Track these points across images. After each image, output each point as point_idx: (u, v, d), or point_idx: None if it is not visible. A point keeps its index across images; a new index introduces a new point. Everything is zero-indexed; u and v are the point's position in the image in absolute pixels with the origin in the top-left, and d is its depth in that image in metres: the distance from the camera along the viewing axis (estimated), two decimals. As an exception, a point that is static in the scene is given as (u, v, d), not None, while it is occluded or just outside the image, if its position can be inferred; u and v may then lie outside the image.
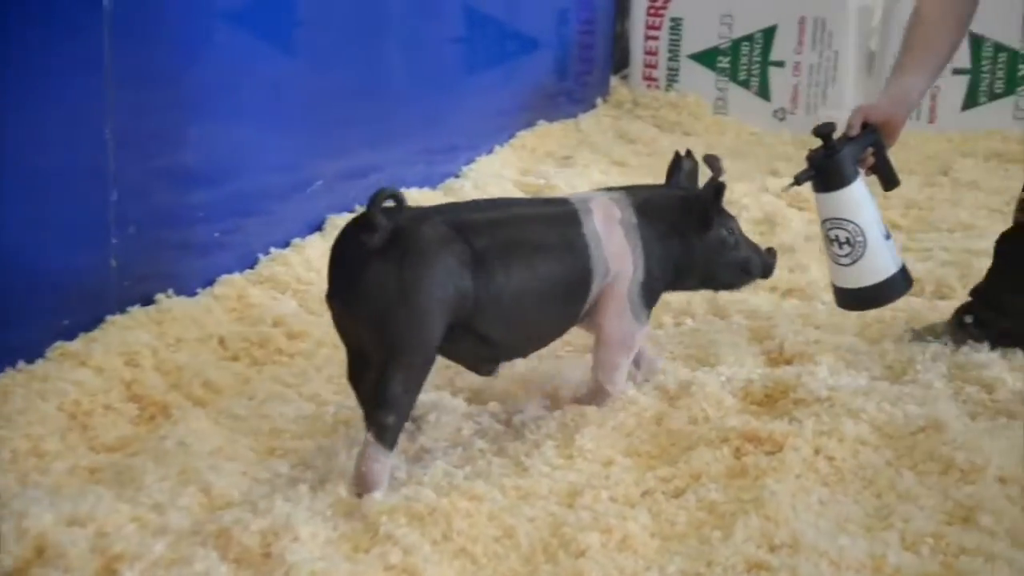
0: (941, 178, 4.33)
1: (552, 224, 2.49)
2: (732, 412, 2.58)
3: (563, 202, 2.59)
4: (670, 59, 5.18)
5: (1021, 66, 4.73)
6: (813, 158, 2.73)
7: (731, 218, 2.70)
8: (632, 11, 5.21)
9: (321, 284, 3.26)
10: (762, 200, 4.00)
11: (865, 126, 2.76)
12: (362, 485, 2.28)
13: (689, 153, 2.72)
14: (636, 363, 2.75)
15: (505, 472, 2.35)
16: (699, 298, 3.23)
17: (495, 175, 4.22)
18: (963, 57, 4.77)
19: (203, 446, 2.42)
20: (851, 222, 2.72)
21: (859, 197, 2.73)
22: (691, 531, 2.17)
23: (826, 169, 2.72)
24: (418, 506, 2.16)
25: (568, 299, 2.51)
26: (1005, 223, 3.12)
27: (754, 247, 2.73)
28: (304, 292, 3.25)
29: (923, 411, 2.53)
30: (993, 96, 4.76)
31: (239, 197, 3.30)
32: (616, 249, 2.54)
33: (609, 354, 2.61)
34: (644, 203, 2.60)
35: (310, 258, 3.44)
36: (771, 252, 2.77)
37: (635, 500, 2.27)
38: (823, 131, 2.72)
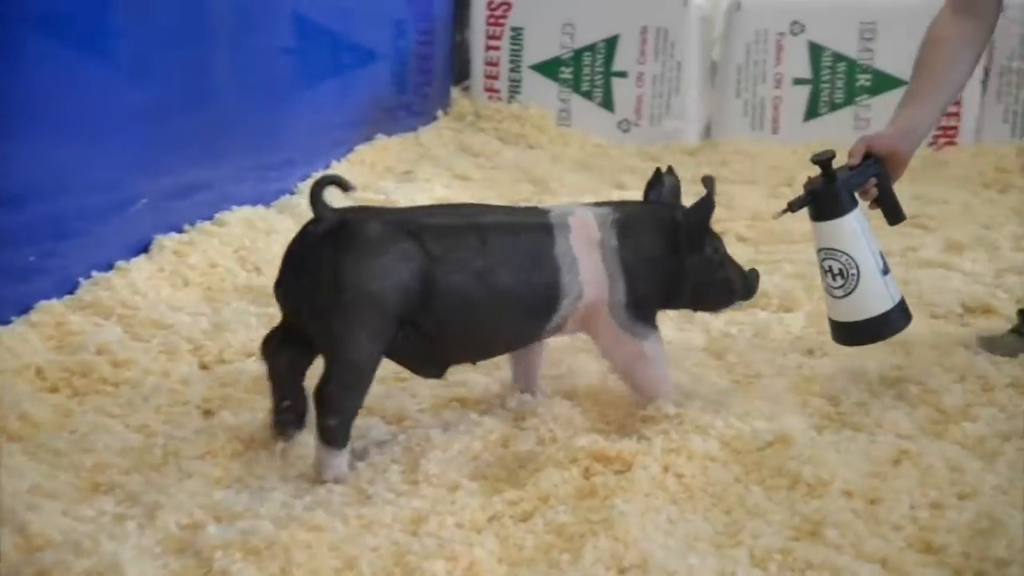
0: (785, 189, 4.37)
1: (521, 235, 2.46)
2: (581, 432, 2.54)
3: (541, 214, 2.54)
4: (512, 70, 5.14)
5: (859, 76, 4.81)
6: (810, 185, 2.68)
7: (717, 237, 2.63)
8: (472, 21, 5.16)
9: (148, 308, 3.15)
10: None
11: (868, 156, 2.70)
12: (323, 478, 2.33)
13: (671, 170, 2.67)
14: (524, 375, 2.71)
15: (347, 501, 2.27)
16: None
17: (331, 191, 4.13)
18: (804, 68, 4.83)
19: (19, 484, 2.28)
20: (844, 253, 2.66)
21: (854, 228, 2.67)
22: (539, 555, 2.13)
23: (822, 197, 2.66)
24: (254, 540, 2.07)
25: (529, 313, 2.47)
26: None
27: (737, 267, 2.66)
28: (130, 317, 3.11)
29: (771, 426, 2.53)
30: (834, 106, 4.83)
31: (55, 218, 3.13)
32: (591, 276, 2.50)
33: (634, 377, 2.60)
34: (628, 223, 2.54)
35: (135, 281, 3.29)
36: (753, 273, 2.69)
37: (482, 525, 2.22)
38: (822, 158, 2.66)
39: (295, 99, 4.21)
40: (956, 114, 4.68)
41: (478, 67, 5.15)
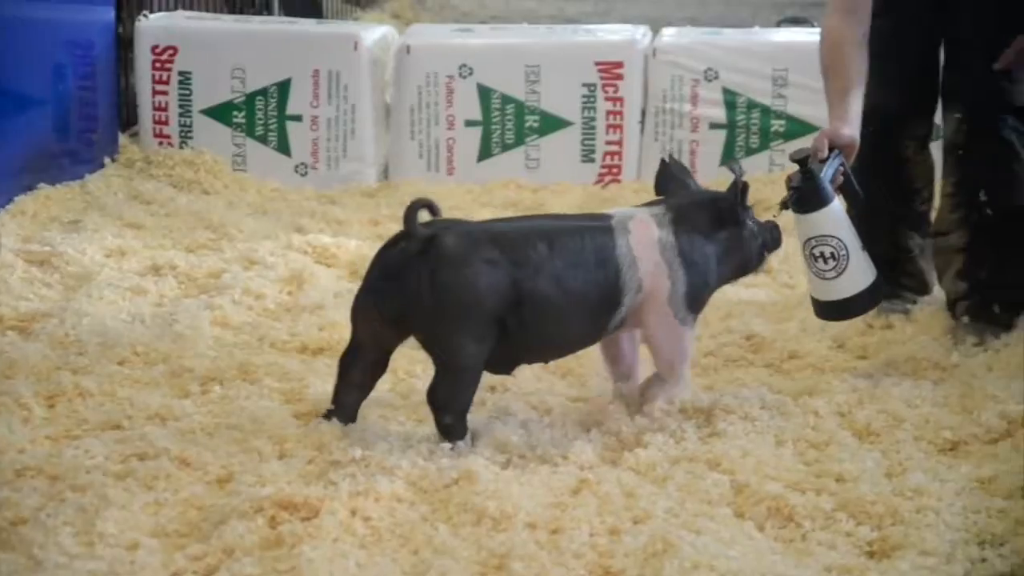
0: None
1: (587, 239, 2.73)
2: (267, 480, 2.50)
3: (603, 218, 2.82)
4: (182, 115, 5.03)
5: (528, 117, 4.95)
6: (793, 182, 2.96)
7: (749, 208, 2.90)
8: (137, 65, 5.01)
9: None
10: (289, 258, 3.94)
11: (831, 149, 3.00)
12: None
13: (671, 156, 3.05)
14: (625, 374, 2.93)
15: (14, 569, 2.15)
16: (226, 363, 3.12)
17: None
18: (474, 110, 4.94)
19: None
20: (834, 237, 2.95)
21: (838, 214, 2.98)
22: (227, 610, 2.08)
23: (807, 191, 2.95)
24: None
25: (596, 312, 2.74)
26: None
27: (763, 226, 2.93)
28: None
29: (455, 463, 2.56)
30: (505, 147, 4.95)
31: None
32: (652, 268, 2.76)
33: (664, 363, 2.84)
34: (680, 216, 2.81)
35: None
36: (774, 226, 2.95)
37: (164, 584, 2.14)
38: (800, 156, 2.96)
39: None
40: (619, 152, 4.89)
41: (146, 112, 5.01)
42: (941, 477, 2.59)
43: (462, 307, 2.62)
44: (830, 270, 2.98)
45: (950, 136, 3.32)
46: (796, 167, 2.98)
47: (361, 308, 2.70)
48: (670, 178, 2.93)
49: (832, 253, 2.97)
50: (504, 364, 2.77)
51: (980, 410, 2.86)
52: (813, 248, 2.98)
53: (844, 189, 3.05)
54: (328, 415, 2.75)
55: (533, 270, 2.66)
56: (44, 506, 2.40)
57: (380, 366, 2.77)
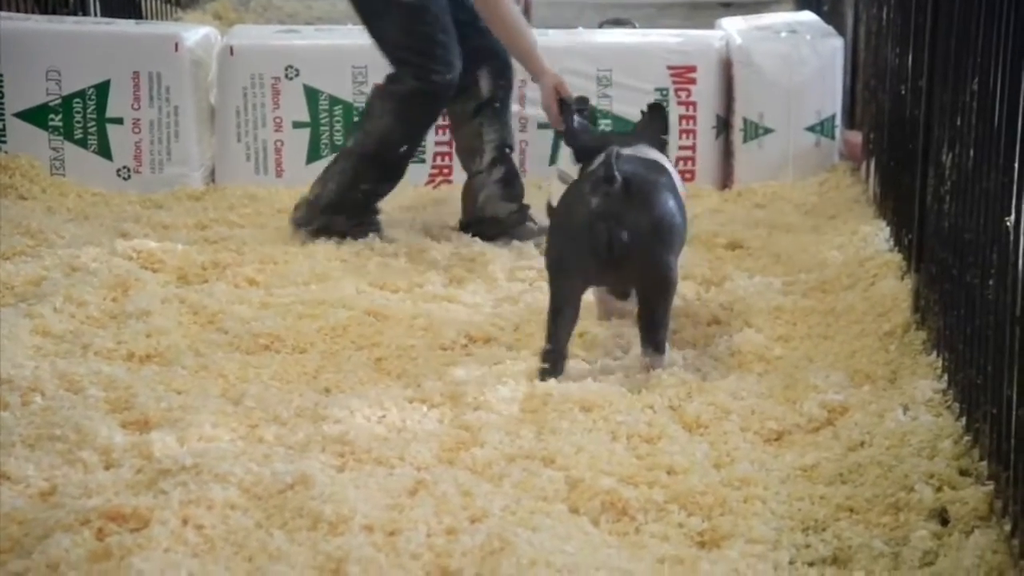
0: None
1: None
2: (93, 491, 2.43)
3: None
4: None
5: (356, 117, 4.92)
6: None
7: None
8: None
9: None
10: (112, 263, 3.83)
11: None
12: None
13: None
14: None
15: None
16: (48, 373, 3.02)
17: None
18: (302, 111, 4.88)
19: None
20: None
21: None
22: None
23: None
24: None
25: None
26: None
27: None
28: None
29: (291, 468, 2.52)
30: (334, 148, 4.90)
31: None
32: None
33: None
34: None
35: None
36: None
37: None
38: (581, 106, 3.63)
39: None
40: (449, 153, 4.90)
41: (-43, 116, 4.82)
42: (767, 466, 2.67)
43: (673, 229, 3.07)
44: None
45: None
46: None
47: (570, 257, 3.06)
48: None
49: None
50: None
51: (802, 400, 2.95)
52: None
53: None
54: (547, 372, 3.05)
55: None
56: None
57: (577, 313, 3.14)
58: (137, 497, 2.40)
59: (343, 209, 4.15)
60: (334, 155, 4.41)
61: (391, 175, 4.21)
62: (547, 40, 5.02)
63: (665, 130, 3.51)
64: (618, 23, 6.37)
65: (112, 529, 2.30)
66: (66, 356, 3.17)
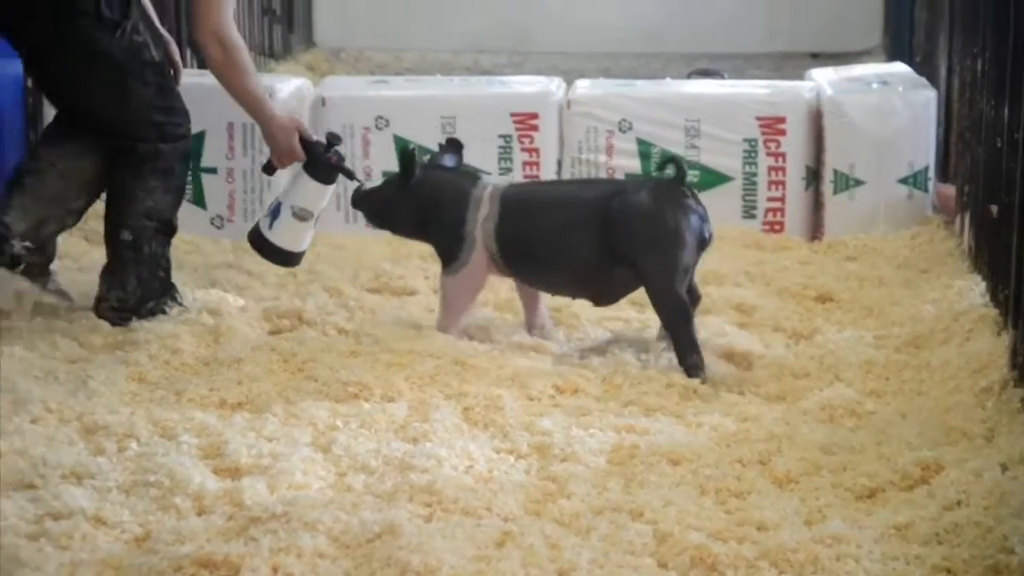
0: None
1: None
2: (186, 537, 2.46)
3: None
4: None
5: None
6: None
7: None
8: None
9: None
10: (205, 311, 3.89)
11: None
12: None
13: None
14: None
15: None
16: (143, 420, 3.07)
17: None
18: (391, 160, 4.93)
19: None
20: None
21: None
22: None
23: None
24: None
25: None
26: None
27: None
28: None
29: (379, 517, 2.53)
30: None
31: None
32: None
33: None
34: None
35: None
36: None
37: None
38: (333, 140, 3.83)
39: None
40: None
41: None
42: (859, 524, 2.62)
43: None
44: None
45: None
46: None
47: (689, 260, 3.54)
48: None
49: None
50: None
51: (896, 457, 2.91)
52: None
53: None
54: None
55: None
56: None
57: None
58: (228, 544, 2.42)
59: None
60: None
61: None
62: (635, 90, 5.06)
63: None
64: (707, 74, 6.37)
65: (204, 576, 2.32)
66: (160, 403, 3.22)
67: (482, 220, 3.65)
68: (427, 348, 3.57)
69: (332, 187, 3.85)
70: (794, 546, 2.50)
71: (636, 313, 3.90)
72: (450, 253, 3.68)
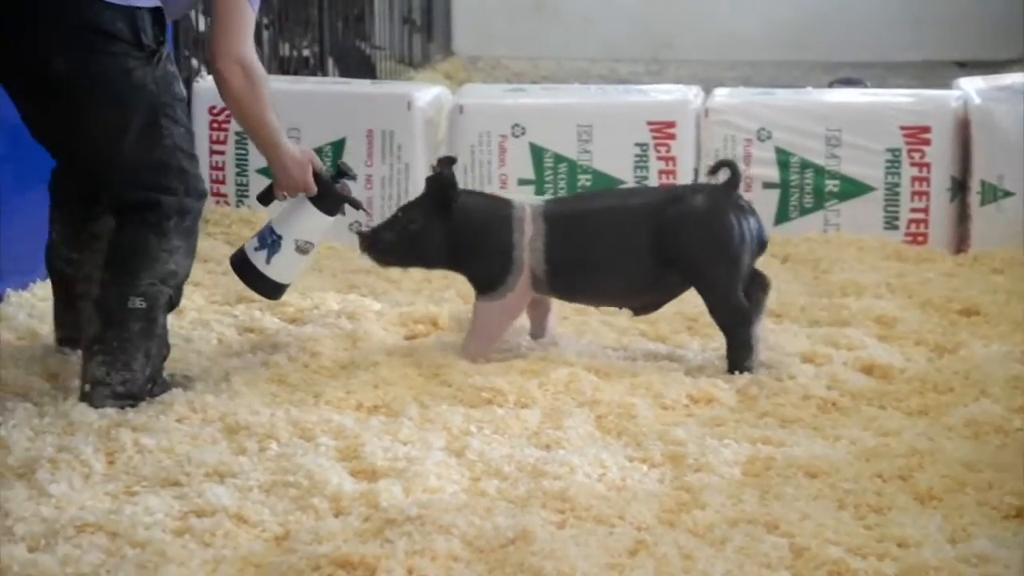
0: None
1: None
2: (324, 538, 2.50)
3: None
4: (238, 174, 5.08)
5: (580, 176, 4.98)
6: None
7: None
8: (194, 127, 5.05)
9: None
10: (343, 316, 3.95)
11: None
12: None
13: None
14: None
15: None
16: (282, 421, 3.13)
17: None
18: (527, 168, 4.96)
19: None
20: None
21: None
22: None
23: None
24: None
25: None
26: None
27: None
28: None
29: (512, 522, 2.54)
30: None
31: None
32: None
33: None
34: None
35: None
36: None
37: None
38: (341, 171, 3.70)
39: (9, 206, 4.02)
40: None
41: (204, 172, 5.06)
42: (1006, 544, 2.55)
43: None
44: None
45: None
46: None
47: (748, 259, 3.55)
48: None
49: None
50: None
51: (1044, 475, 2.82)
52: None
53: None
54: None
55: None
56: (104, 562, 2.41)
57: None
58: (365, 545, 2.45)
59: None
60: None
61: None
62: (775, 99, 4.99)
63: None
64: (849, 83, 6.27)
65: (341, 576, 2.36)
66: (299, 404, 3.27)
67: (529, 241, 3.54)
68: (560, 356, 3.57)
69: (334, 218, 3.70)
70: (937, 564, 2.43)
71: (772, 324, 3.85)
72: (496, 279, 3.56)
